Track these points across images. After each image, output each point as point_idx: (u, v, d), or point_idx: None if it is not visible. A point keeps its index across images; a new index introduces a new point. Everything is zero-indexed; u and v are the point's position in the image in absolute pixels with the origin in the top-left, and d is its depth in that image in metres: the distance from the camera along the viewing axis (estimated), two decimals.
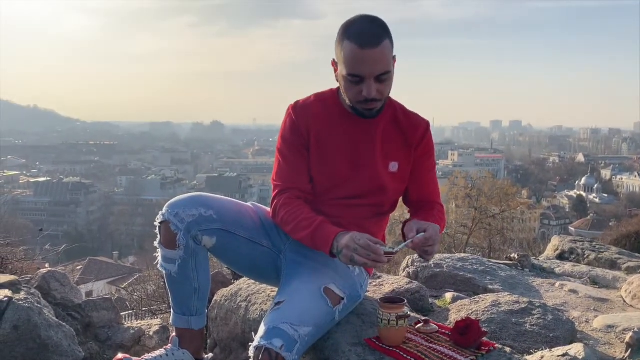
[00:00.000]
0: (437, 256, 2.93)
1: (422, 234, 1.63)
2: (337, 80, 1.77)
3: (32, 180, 79.79)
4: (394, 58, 1.70)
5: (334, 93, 1.85)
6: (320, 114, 1.81)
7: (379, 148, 1.82)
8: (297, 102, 1.85)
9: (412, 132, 1.85)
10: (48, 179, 79.90)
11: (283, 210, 1.77)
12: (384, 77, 1.68)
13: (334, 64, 1.75)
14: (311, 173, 1.83)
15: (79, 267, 20.98)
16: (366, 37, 1.62)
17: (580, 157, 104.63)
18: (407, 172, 1.88)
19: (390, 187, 1.86)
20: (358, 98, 1.69)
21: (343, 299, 1.73)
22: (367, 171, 1.82)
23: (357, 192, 1.83)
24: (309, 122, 1.81)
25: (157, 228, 1.84)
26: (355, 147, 1.81)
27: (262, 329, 1.56)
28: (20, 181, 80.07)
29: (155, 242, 1.87)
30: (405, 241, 1.67)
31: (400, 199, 1.97)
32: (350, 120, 1.80)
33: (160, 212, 1.83)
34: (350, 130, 1.80)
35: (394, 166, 1.84)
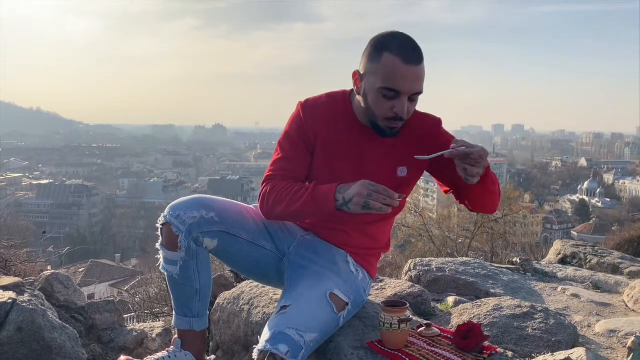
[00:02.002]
0: (439, 260, 2.92)
1: (464, 147, 1.56)
2: (360, 93, 1.72)
3: (35, 182, 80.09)
4: None
5: (347, 96, 1.81)
6: (329, 116, 1.79)
7: (386, 153, 1.80)
8: (307, 101, 1.82)
9: (424, 134, 1.82)
10: (50, 181, 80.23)
11: (273, 193, 1.74)
12: (415, 97, 1.67)
13: (357, 75, 1.71)
14: (316, 176, 1.82)
15: (81, 270, 20.98)
16: (410, 53, 1.61)
17: (583, 162, 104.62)
18: (416, 176, 1.86)
19: (397, 192, 1.86)
20: (387, 114, 1.66)
21: (347, 304, 1.74)
22: (373, 177, 1.78)
23: None
24: (317, 124, 1.78)
25: (159, 230, 1.85)
26: (362, 152, 1.79)
27: (267, 332, 1.55)
28: (23, 183, 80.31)
29: (157, 244, 1.88)
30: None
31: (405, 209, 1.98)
32: (359, 125, 1.78)
33: (162, 214, 1.83)
34: (357, 135, 1.79)
35: (402, 171, 1.82)
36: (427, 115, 1.86)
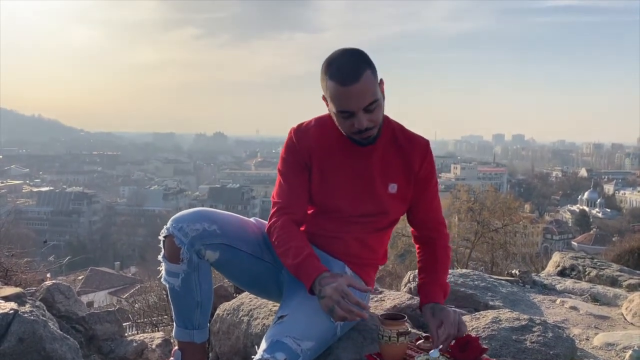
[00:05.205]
0: None
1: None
2: (331, 114, 1.79)
3: (35, 189, 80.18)
4: (381, 82, 1.72)
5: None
6: (320, 138, 1.84)
7: (377, 170, 1.84)
8: (299, 126, 1.88)
9: (412, 153, 1.87)
10: (51, 188, 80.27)
11: (277, 233, 1.80)
12: (373, 107, 1.69)
13: (324, 99, 1.76)
14: (312, 195, 1.87)
15: (80, 277, 20.98)
16: (346, 74, 1.64)
17: (583, 172, 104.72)
18: (407, 192, 1.89)
19: (390, 209, 1.89)
20: (352, 130, 1.72)
21: None
22: (367, 195, 1.85)
23: (358, 213, 1.87)
24: (310, 146, 1.83)
25: (162, 242, 1.87)
26: (355, 171, 1.84)
27: (265, 341, 1.57)
28: (23, 190, 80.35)
29: (159, 256, 1.89)
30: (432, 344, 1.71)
31: (405, 217, 2.01)
32: (349, 145, 1.82)
33: (165, 227, 1.85)
34: (349, 154, 1.83)
35: (392, 187, 1.86)
36: (416, 136, 1.91)
